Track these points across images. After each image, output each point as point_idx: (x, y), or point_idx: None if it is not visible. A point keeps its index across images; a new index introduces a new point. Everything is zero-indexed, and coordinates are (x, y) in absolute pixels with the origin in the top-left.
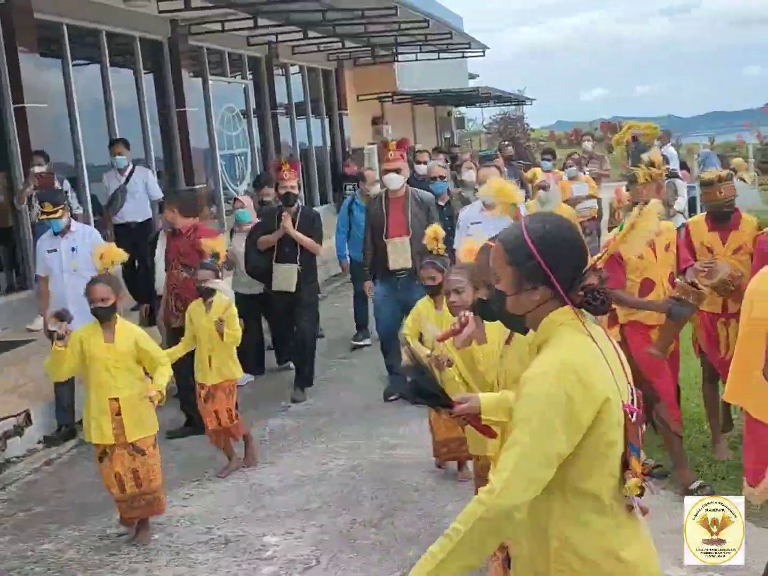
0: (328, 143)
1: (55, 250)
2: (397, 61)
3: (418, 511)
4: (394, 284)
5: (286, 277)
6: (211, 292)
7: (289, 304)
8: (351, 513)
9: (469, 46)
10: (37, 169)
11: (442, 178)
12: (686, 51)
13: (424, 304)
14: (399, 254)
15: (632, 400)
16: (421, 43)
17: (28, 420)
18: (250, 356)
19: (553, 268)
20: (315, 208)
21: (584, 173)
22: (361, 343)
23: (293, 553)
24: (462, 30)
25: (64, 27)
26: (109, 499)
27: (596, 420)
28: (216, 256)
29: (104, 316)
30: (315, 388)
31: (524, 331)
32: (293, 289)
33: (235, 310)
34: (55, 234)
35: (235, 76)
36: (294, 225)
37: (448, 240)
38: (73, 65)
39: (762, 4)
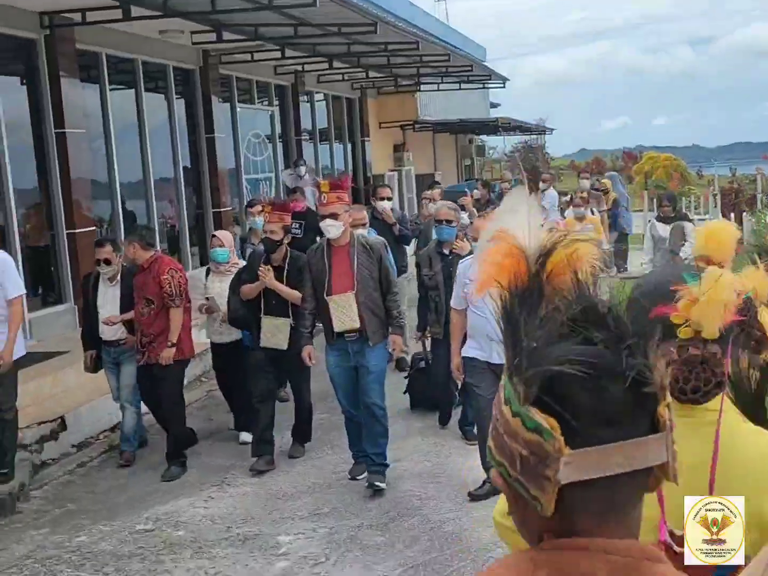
0: (350, 169)
1: None
2: (420, 90)
3: (419, 517)
4: (345, 349)
5: (275, 333)
6: None
7: (276, 360)
8: (359, 517)
9: (490, 78)
10: None
11: (449, 222)
12: (709, 82)
13: None
14: (343, 314)
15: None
16: (442, 74)
17: (62, 426)
18: (247, 411)
19: None
20: None
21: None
22: None
23: (305, 550)
24: (484, 60)
25: (103, 56)
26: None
27: None
28: None
29: None
30: (329, 405)
31: None
32: (284, 347)
33: None
34: None
35: (262, 103)
36: (282, 273)
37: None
38: (110, 90)
39: None
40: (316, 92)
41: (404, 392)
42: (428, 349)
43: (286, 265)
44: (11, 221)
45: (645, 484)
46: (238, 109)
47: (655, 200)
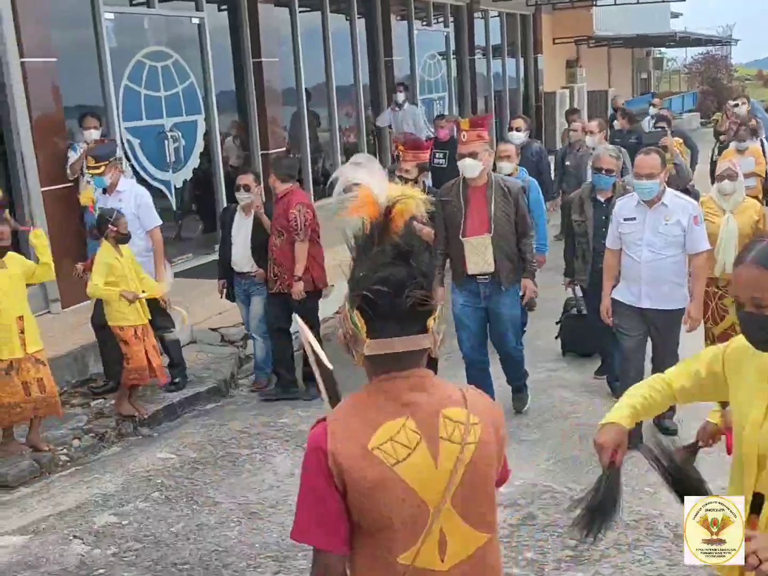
0: (522, 85)
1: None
2: (595, 5)
3: (572, 419)
4: (475, 291)
5: None
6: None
7: None
8: (517, 418)
9: None
10: (94, 135)
11: (609, 171)
12: None
13: None
14: (478, 256)
15: None
16: None
17: None
18: None
19: None
20: None
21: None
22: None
23: None
24: None
25: None
26: None
27: None
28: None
29: None
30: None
31: None
32: None
33: None
34: (104, 192)
35: (437, 21)
36: None
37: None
38: (299, 13)
39: None
40: (491, 10)
41: (555, 337)
42: (579, 295)
43: None
44: (215, 139)
45: (422, 354)
46: (415, 32)
47: None
